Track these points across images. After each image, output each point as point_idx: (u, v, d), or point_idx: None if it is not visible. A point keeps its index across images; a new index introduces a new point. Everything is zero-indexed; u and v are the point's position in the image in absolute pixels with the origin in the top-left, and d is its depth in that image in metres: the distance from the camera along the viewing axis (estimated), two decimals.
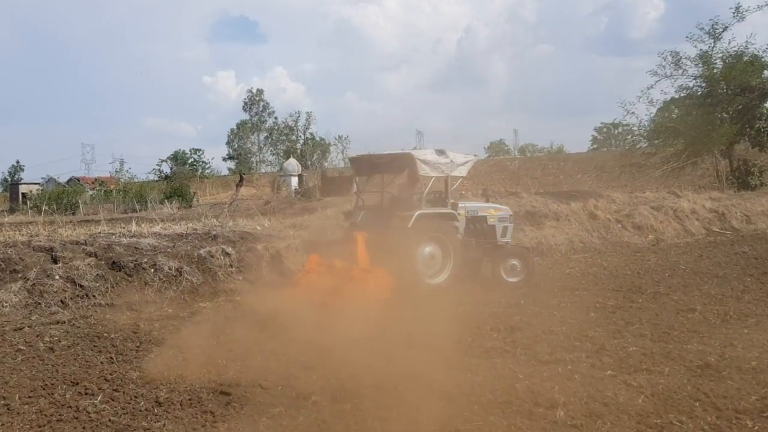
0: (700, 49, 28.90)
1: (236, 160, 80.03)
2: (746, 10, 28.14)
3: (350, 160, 12.86)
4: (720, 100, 28.02)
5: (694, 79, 29.32)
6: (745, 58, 28.03)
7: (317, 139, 78.13)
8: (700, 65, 28.97)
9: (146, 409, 5.31)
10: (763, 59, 27.99)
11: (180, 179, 55.65)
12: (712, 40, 28.67)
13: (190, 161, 75.86)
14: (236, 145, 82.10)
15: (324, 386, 5.77)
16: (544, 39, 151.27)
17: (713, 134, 27.21)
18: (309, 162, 68.27)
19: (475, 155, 12.33)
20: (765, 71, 28.09)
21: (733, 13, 28.24)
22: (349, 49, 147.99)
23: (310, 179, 41.76)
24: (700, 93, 29.15)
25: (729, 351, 6.53)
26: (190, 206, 35.85)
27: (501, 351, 6.81)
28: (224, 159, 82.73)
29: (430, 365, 6.25)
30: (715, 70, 28.43)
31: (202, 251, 10.90)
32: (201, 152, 77.55)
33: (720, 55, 28.65)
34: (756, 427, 4.50)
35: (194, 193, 44.13)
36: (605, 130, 76.70)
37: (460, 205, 11.79)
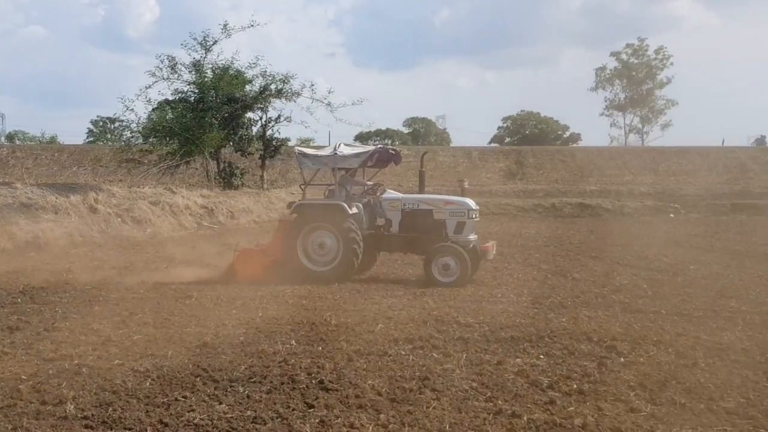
0: (194, 58, 31.04)
1: None
2: (232, 29, 31.49)
3: None
4: (210, 107, 30.52)
5: (189, 84, 31.30)
6: (231, 72, 31.33)
7: None
8: (193, 72, 31.07)
9: None
10: (245, 75, 31.76)
11: None
12: (204, 51, 31.11)
13: None
14: None
15: None
16: (36, 20, 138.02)
17: (204, 137, 29.54)
18: None
19: (377, 145, 12.11)
20: (247, 86, 31.90)
21: (222, 29, 31.27)
22: None
23: None
24: (193, 98, 31.24)
25: (222, 330, 7.48)
26: None
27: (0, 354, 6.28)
28: None
29: None
30: (206, 79, 30.88)
31: None
32: None
33: (210, 65, 31.33)
34: (246, 392, 5.30)
35: None
36: (101, 123, 74.67)
37: (394, 196, 11.45)
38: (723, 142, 50.99)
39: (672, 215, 29.86)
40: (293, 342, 6.85)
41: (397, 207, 11.36)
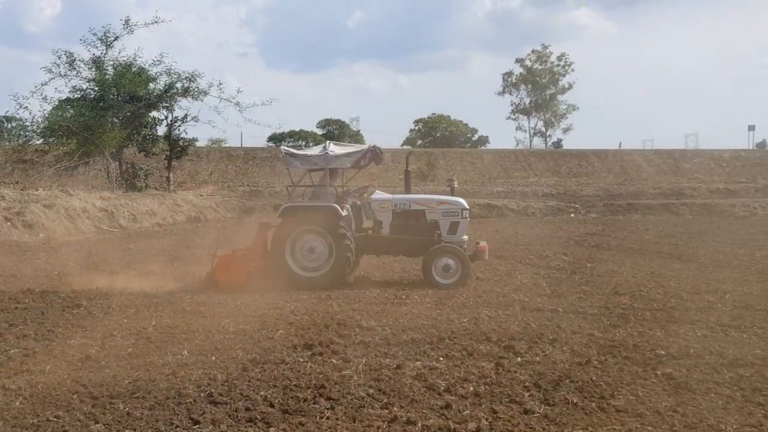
0: (94, 54, 29.63)
1: None
2: (135, 25, 30.24)
3: None
4: (111, 105, 29.15)
5: (88, 81, 29.84)
6: (134, 69, 30.06)
7: None
8: (93, 69, 29.62)
9: None
10: (149, 72, 30.54)
11: None
12: (105, 47, 29.74)
13: None
14: None
15: None
16: None
17: (105, 137, 28.18)
18: None
19: (370, 145, 11.22)
20: (151, 84, 30.68)
21: (124, 25, 29.97)
22: None
23: None
24: (93, 96, 29.75)
25: (109, 341, 7.04)
26: None
27: None
28: None
29: None
30: (107, 76, 29.49)
31: None
32: None
33: (111, 62, 29.96)
34: (127, 409, 4.93)
35: None
36: None
37: (383, 197, 10.86)
38: (620, 145, 53.57)
39: (573, 215, 31.07)
40: (185, 352, 6.51)
41: (387, 208, 10.98)
